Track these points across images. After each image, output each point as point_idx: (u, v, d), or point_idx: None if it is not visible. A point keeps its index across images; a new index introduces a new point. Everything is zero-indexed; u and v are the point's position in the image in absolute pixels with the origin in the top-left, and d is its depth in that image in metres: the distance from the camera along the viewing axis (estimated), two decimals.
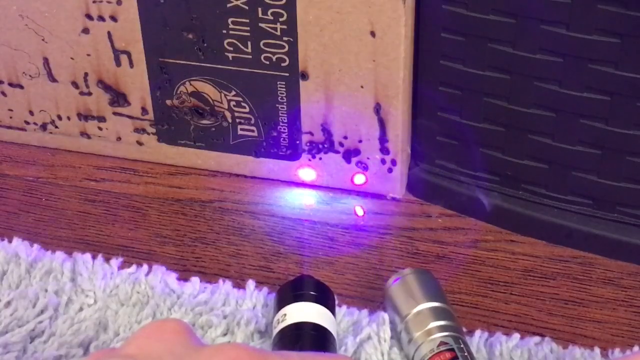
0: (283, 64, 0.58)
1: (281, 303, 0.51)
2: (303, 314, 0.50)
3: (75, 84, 0.63)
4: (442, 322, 0.49)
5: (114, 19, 0.59)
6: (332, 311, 0.51)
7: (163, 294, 0.54)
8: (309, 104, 0.59)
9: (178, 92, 0.61)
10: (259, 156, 0.63)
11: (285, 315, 0.50)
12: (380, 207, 0.62)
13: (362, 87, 0.58)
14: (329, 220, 0.61)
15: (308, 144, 0.61)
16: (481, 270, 0.57)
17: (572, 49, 0.52)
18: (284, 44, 0.57)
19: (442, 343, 0.48)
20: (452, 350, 0.48)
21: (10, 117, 0.66)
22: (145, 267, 0.56)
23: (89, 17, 0.59)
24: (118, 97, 0.62)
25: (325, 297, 0.51)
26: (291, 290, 0.51)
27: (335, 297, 0.53)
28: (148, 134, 0.64)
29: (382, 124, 0.59)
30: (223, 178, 0.64)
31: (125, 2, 0.58)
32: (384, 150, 0.60)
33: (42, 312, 0.53)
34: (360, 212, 0.62)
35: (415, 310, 0.50)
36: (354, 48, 0.56)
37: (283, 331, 0.49)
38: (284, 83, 0.59)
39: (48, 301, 0.53)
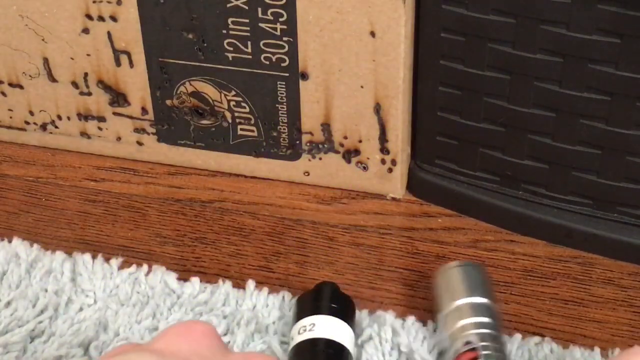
0: (283, 64, 0.58)
1: (307, 311, 0.51)
2: (331, 330, 0.49)
3: (75, 84, 0.63)
4: (471, 320, 0.49)
5: (114, 19, 0.59)
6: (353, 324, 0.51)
7: (163, 294, 0.54)
8: (309, 104, 0.59)
9: (178, 92, 0.61)
10: (259, 156, 0.63)
11: (313, 325, 0.50)
12: (380, 207, 0.62)
13: (362, 87, 0.58)
14: (329, 220, 0.61)
15: (308, 144, 0.61)
16: None
17: (572, 49, 0.52)
18: (284, 44, 0.57)
19: (467, 342, 0.48)
20: (475, 349, 0.48)
21: (10, 117, 0.66)
22: (145, 267, 0.56)
23: (89, 17, 0.59)
24: (118, 97, 0.62)
25: (351, 311, 0.51)
26: (321, 300, 0.51)
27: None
28: (148, 134, 0.64)
29: (382, 124, 0.59)
30: (223, 178, 0.64)
31: (125, 2, 0.58)
32: (384, 150, 0.60)
33: (42, 312, 0.53)
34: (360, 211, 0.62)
35: (450, 307, 0.50)
36: (354, 48, 0.56)
37: (314, 342, 0.49)
38: (284, 83, 0.59)
39: (48, 301, 0.53)
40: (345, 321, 0.50)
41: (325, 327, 0.49)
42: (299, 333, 0.49)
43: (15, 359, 0.51)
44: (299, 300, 0.52)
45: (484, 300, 0.50)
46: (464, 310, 0.49)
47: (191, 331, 0.37)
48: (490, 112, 0.57)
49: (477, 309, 0.49)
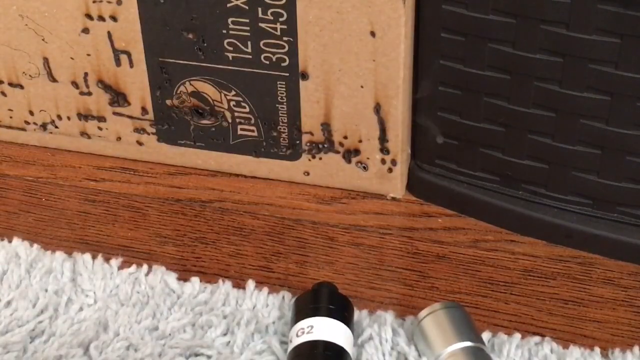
0: (283, 64, 0.58)
1: (305, 313, 0.51)
2: (329, 332, 0.49)
3: (75, 84, 0.63)
4: None
5: (114, 19, 0.59)
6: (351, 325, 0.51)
7: (163, 294, 0.54)
8: (309, 104, 0.59)
9: (178, 92, 0.61)
10: (259, 156, 0.63)
11: (312, 327, 0.50)
12: (380, 207, 0.62)
13: (362, 87, 0.58)
14: (329, 220, 0.61)
15: (308, 144, 0.61)
16: (481, 270, 0.57)
17: (572, 49, 0.52)
18: (284, 44, 0.57)
19: None
20: None
21: (10, 117, 0.66)
22: (145, 267, 0.56)
23: (89, 17, 0.59)
24: (118, 97, 0.62)
25: (349, 312, 0.51)
26: (319, 302, 0.51)
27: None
28: (148, 134, 0.64)
29: (382, 124, 0.59)
30: (223, 178, 0.64)
31: (125, 2, 0.58)
32: (384, 150, 0.60)
33: (42, 312, 0.53)
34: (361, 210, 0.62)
35: (442, 353, 0.50)
36: (354, 48, 0.56)
37: (313, 345, 0.49)
38: (284, 83, 0.59)
39: (48, 301, 0.53)
40: (344, 322, 0.50)
41: (323, 329, 0.49)
42: (297, 335, 0.49)
43: (15, 359, 0.51)
44: (297, 302, 0.52)
45: (476, 344, 0.50)
46: (459, 356, 0.49)
47: None
48: (490, 112, 0.57)
49: (473, 355, 0.49)
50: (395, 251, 0.59)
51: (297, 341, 0.49)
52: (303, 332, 0.49)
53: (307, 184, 0.63)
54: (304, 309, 0.51)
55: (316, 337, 0.49)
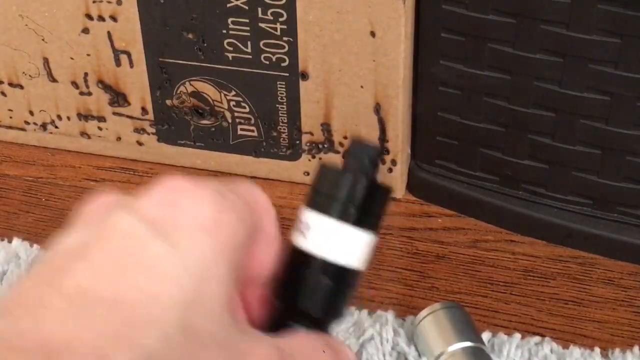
0: (283, 64, 0.58)
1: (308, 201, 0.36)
2: (333, 245, 0.34)
3: (75, 84, 0.63)
4: None
5: (114, 19, 0.59)
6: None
7: None
8: (309, 104, 0.59)
9: (178, 92, 0.61)
10: (259, 156, 0.63)
11: (308, 227, 0.35)
12: None
13: (362, 87, 0.58)
14: None
15: (308, 144, 0.61)
16: (481, 270, 0.57)
17: (572, 49, 0.52)
18: (284, 44, 0.57)
19: None
20: None
21: (10, 117, 0.66)
22: None
23: (89, 17, 0.59)
24: (118, 97, 0.62)
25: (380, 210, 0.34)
26: (338, 190, 0.35)
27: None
28: (148, 134, 0.64)
29: (382, 124, 0.59)
30: (223, 178, 0.64)
31: (125, 2, 0.58)
32: (384, 150, 0.60)
33: None
34: None
35: (442, 353, 0.50)
36: (354, 48, 0.56)
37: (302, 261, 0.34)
38: (284, 83, 0.59)
39: None
40: (368, 227, 0.33)
41: (322, 236, 0.34)
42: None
43: None
44: (321, 171, 0.36)
45: (476, 344, 0.50)
46: (459, 356, 0.49)
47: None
48: (490, 112, 0.57)
49: (473, 355, 0.49)
50: (395, 251, 0.59)
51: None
52: (298, 230, 0.35)
53: (307, 184, 0.63)
54: (313, 194, 0.36)
55: (310, 249, 0.34)
